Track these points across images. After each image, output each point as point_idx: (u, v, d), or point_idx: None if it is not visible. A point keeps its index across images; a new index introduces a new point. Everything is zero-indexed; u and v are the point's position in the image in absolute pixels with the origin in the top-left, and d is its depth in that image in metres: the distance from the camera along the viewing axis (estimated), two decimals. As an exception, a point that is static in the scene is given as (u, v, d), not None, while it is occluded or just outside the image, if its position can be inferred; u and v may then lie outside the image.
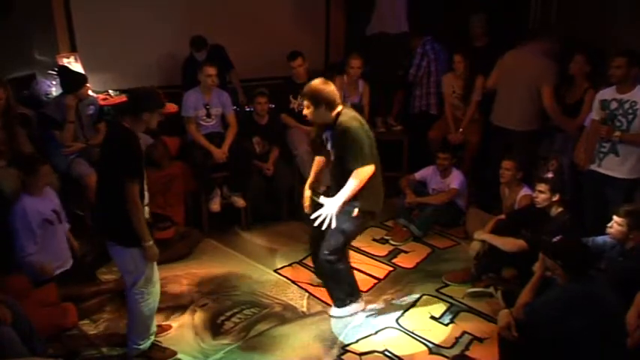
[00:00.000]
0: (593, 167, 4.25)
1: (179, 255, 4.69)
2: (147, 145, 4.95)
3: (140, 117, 3.21)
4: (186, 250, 4.77)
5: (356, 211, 3.68)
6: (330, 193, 3.78)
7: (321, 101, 3.56)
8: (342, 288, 3.96)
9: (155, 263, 3.40)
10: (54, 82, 4.99)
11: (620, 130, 4.03)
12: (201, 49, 5.36)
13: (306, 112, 3.66)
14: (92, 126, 4.74)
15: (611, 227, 3.50)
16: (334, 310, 4.00)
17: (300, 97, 3.68)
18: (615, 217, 3.47)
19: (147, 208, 3.32)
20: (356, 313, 3.99)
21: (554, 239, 3.19)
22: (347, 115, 3.62)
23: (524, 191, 4.58)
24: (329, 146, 3.74)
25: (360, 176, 3.55)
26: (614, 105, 4.08)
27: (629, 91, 4.02)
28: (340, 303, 3.97)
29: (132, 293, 3.36)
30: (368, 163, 3.57)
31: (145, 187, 3.30)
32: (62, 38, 5.31)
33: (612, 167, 4.14)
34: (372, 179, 3.63)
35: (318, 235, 3.83)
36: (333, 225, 3.59)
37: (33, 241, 3.82)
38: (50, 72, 5.04)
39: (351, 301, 3.98)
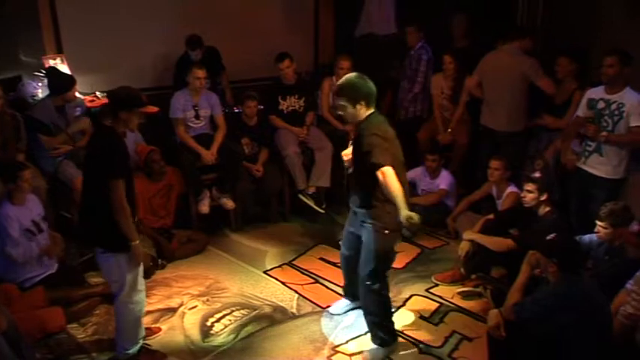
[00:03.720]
0: (579, 164, 4.30)
1: (184, 256, 4.74)
2: (137, 143, 4.95)
3: (118, 116, 3.17)
4: (192, 253, 4.79)
5: (387, 231, 3.37)
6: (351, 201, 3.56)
7: (359, 97, 3.25)
8: (384, 324, 3.65)
9: (141, 273, 3.38)
10: (40, 84, 4.95)
11: (606, 131, 4.07)
12: (196, 48, 5.33)
13: (344, 112, 3.31)
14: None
15: (598, 232, 3.53)
16: (369, 353, 3.66)
17: (336, 96, 3.35)
18: (598, 222, 3.50)
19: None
20: (389, 353, 3.67)
21: (549, 237, 3.20)
22: (376, 117, 3.34)
23: (510, 189, 4.63)
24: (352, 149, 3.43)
25: (390, 175, 3.13)
26: (601, 105, 4.10)
27: (619, 91, 4.02)
28: (379, 341, 3.65)
29: (118, 302, 3.36)
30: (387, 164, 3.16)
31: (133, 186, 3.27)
32: (48, 39, 5.26)
33: (596, 166, 4.19)
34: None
35: (352, 264, 3.67)
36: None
37: (16, 244, 3.84)
38: (36, 73, 5.00)
39: (389, 342, 3.67)
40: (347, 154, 3.49)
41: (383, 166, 3.13)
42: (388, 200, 3.24)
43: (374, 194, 3.33)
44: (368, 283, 3.52)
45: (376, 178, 3.18)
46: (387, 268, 3.59)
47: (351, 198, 3.53)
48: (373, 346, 3.68)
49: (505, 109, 4.94)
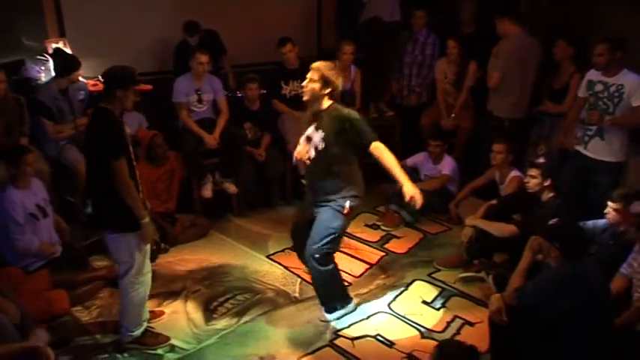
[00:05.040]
0: (580, 149, 4.30)
1: (187, 241, 4.75)
2: (141, 125, 4.95)
3: (114, 95, 3.17)
4: (195, 237, 4.81)
5: (347, 207, 3.59)
6: (309, 191, 3.72)
7: (329, 83, 3.50)
8: (332, 293, 3.84)
9: (148, 255, 3.41)
10: (43, 68, 4.93)
11: (607, 113, 4.07)
12: (194, 34, 5.31)
13: (309, 85, 3.51)
14: (83, 112, 4.71)
15: (608, 213, 3.52)
16: (325, 315, 3.84)
17: (313, 69, 3.54)
18: (610, 203, 3.49)
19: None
20: (347, 314, 3.85)
21: (551, 222, 3.20)
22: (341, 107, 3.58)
23: (513, 173, 4.62)
24: (315, 138, 3.57)
25: (384, 149, 3.49)
26: (599, 87, 4.14)
27: (615, 74, 4.07)
28: (333, 309, 3.83)
29: (123, 282, 3.37)
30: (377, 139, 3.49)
31: (134, 163, 3.27)
32: (50, 23, 5.23)
33: (598, 151, 4.20)
34: (356, 170, 3.62)
35: (303, 232, 3.79)
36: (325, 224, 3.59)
37: (22, 231, 3.84)
38: (39, 57, 4.98)
39: (342, 306, 3.85)
40: (302, 152, 3.63)
41: (374, 141, 3.45)
42: (350, 181, 3.57)
43: (340, 177, 3.57)
44: (317, 256, 3.64)
45: (343, 161, 3.54)
46: (337, 247, 3.77)
47: (312, 186, 3.69)
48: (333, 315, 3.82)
49: (528, 94, 4.96)
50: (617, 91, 4.05)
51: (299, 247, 3.97)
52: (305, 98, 3.62)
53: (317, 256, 3.65)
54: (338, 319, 3.82)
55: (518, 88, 4.98)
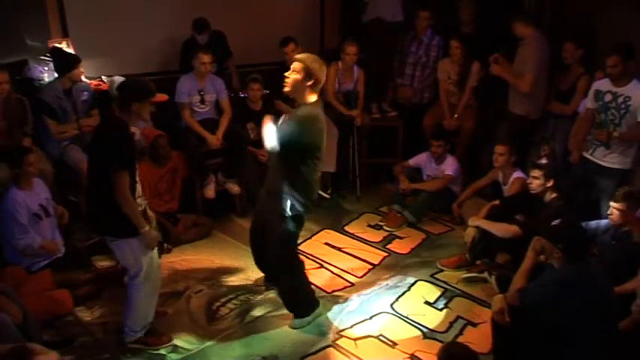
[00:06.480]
0: (586, 155, 4.29)
1: (189, 241, 4.75)
2: (144, 127, 4.95)
3: (129, 108, 3.17)
4: (198, 237, 4.81)
5: (288, 206, 3.49)
6: (267, 183, 3.64)
7: (312, 75, 3.38)
8: (300, 300, 3.80)
9: (155, 254, 3.41)
10: (46, 68, 4.94)
11: (614, 124, 4.06)
12: (203, 31, 5.30)
13: (290, 76, 3.40)
14: (86, 112, 4.72)
15: (611, 214, 3.52)
16: (295, 322, 3.77)
17: (296, 60, 3.43)
18: (612, 203, 3.50)
19: (139, 200, 3.29)
20: (316, 317, 3.82)
21: (554, 223, 3.20)
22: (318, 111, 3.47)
23: (516, 174, 4.62)
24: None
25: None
26: (608, 97, 4.12)
27: (625, 84, 4.04)
28: (303, 313, 3.79)
29: (133, 284, 3.38)
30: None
31: (137, 178, 3.27)
32: (54, 23, 5.23)
33: (603, 158, 4.20)
34: (311, 173, 3.51)
35: (261, 246, 3.81)
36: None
37: (25, 231, 3.85)
38: (42, 58, 4.99)
39: (310, 312, 3.80)
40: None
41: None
42: (294, 186, 3.44)
43: (287, 178, 3.46)
44: (283, 264, 3.64)
45: (292, 166, 3.41)
46: (296, 246, 3.76)
47: (268, 180, 3.62)
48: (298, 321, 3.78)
49: (537, 96, 4.92)
50: (624, 102, 4.02)
51: (258, 253, 4.01)
52: (286, 89, 3.47)
53: (283, 263, 3.64)
54: (306, 325, 3.76)
55: (543, 88, 4.94)
